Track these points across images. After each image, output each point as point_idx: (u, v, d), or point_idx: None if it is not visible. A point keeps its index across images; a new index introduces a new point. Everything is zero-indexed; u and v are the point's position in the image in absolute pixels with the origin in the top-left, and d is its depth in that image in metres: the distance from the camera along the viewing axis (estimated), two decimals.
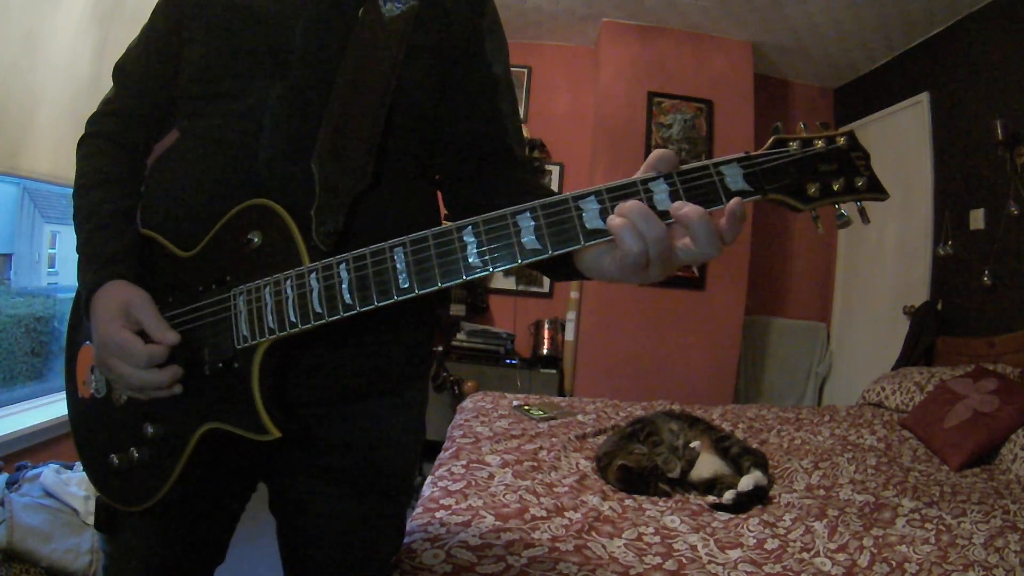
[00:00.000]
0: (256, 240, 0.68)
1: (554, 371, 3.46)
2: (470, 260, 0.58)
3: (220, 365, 0.69)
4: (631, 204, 0.54)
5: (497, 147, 0.83)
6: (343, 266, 0.62)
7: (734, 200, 0.54)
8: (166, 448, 0.72)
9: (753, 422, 2.34)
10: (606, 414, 2.36)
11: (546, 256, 0.57)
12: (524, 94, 3.86)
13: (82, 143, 0.84)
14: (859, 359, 3.62)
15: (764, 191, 0.56)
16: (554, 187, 3.83)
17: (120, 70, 0.85)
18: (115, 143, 0.82)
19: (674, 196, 0.55)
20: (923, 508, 1.53)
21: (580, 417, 2.29)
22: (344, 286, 0.62)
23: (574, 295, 3.53)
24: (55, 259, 2.46)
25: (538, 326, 3.65)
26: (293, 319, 0.64)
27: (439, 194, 0.88)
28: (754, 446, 1.94)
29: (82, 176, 0.80)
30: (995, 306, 2.64)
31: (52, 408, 2.06)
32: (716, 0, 3.10)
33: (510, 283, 3.80)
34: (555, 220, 0.57)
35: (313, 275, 0.64)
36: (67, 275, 2.57)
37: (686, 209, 0.53)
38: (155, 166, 0.83)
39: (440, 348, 3.36)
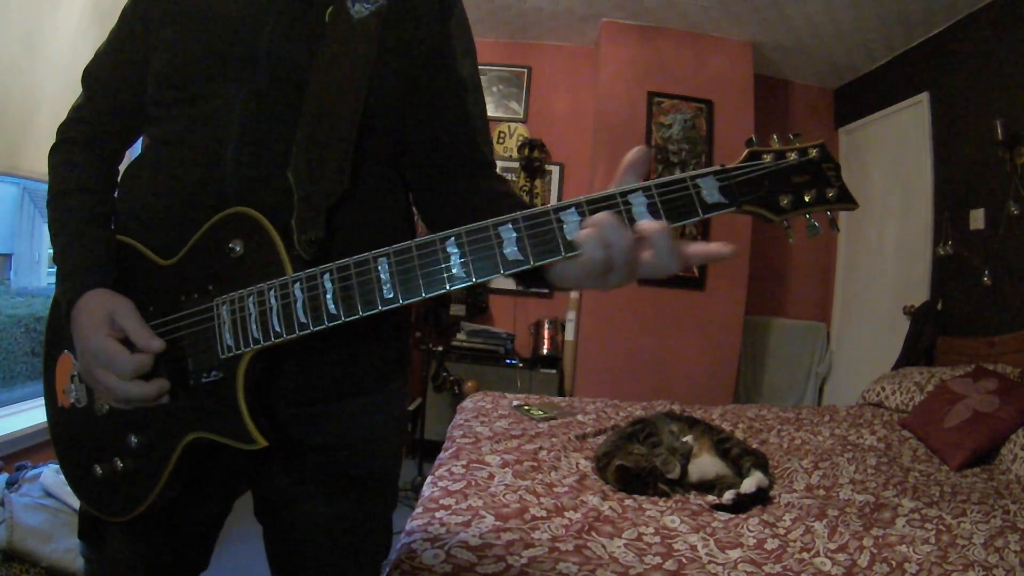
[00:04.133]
0: (238, 249, 0.68)
1: (554, 371, 3.46)
2: (454, 271, 0.59)
3: (204, 375, 0.69)
4: (601, 215, 0.55)
5: (465, 150, 0.83)
6: (327, 276, 0.63)
7: (717, 246, 0.56)
8: (151, 458, 0.71)
9: (753, 422, 2.34)
10: (606, 414, 2.36)
11: (528, 267, 0.58)
12: (524, 94, 3.86)
13: (53, 151, 0.82)
14: (859, 359, 3.62)
15: (739, 203, 0.58)
16: (554, 187, 3.83)
17: (89, 76, 0.84)
18: (86, 150, 0.81)
19: (652, 208, 0.57)
20: (923, 508, 1.53)
21: (580, 417, 2.29)
22: (328, 296, 0.62)
23: (574, 295, 3.53)
24: None
25: (538, 326, 3.65)
26: (278, 329, 0.64)
27: (415, 207, 0.88)
28: (754, 446, 1.94)
29: (55, 184, 0.79)
30: (995, 306, 2.64)
31: None
32: (716, 0, 3.10)
33: (510, 283, 3.78)
34: (536, 232, 0.58)
35: (297, 285, 0.64)
36: None
37: (648, 223, 0.55)
38: (126, 173, 0.82)
39: (440, 348, 3.36)
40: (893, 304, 3.26)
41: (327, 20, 0.74)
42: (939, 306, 2.95)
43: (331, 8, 0.75)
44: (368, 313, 0.61)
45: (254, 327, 0.65)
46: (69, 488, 1.69)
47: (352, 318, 0.62)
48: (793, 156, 0.59)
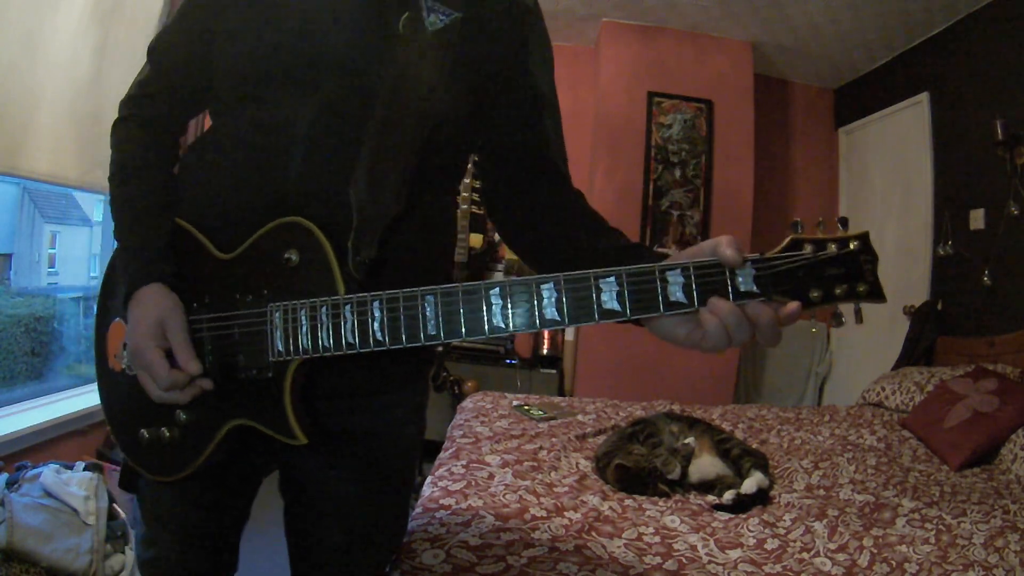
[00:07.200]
0: (294, 259, 0.71)
1: (554, 371, 3.46)
2: (495, 321, 0.62)
3: (254, 372, 0.72)
4: (726, 308, 0.57)
5: (541, 162, 0.83)
6: (376, 304, 0.65)
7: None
8: (196, 434, 0.75)
9: (753, 422, 2.34)
10: (606, 414, 2.36)
11: (563, 327, 0.61)
12: None
13: (116, 128, 0.83)
14: (859, 359, 3.62)
15: (769, 295, 0.58)
16: None
17: (154, 51, 0.84)
18: (149, 127, 0.82)
19: (686, 289, 0.58)
20: (923, 508, 1.53)
21: (580, 417, 2.29)
22: (376, 324, 0.65)
23: None
24: (55, 259, 2.46)
25: None
26: (327, 344, 0.68)
27: (485, 210, 0.90)
28: (754, 446, 1.94)
29: (117, 164, 0.81)
30: (995, 306, 2.64)
31: (52, 408, 2.06)
32: (716, 0, 3.10)
33: None
34: (576, 296, 0.60)
35: (348, 307, 0.67)
36: (67, 275, 2.57)
37: (760, 314, 0.58)
38: (189, 154, 0.84)
39: (440, 348, 3.36)
40: (893, 304, 3.26)
41: (400, 28, 0.73)
42: (939, 306, 2.95)
43: (406, 15, 0.73)
44: (411, 344, 0.64)
45: (304, 338, 0.69)
46: (69, 488, 1.69)
47: (396, 347, 0.65)
48: (833, 248, 0.59)
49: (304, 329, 0.69)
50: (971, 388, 2.17)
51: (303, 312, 0.69)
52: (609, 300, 0.59)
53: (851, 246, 0.59)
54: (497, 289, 0.62)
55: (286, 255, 0.71)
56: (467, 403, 2.40)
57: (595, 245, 0.74)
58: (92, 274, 2.55)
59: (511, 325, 0.61)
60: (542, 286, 0.60)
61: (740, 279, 0.58)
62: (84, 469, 1.70)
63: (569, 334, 3.50)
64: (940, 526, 1.43)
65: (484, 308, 0.62)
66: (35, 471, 1.68)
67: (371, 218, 0.72)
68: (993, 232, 2.67)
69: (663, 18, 3.37)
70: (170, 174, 0.82)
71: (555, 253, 0.79)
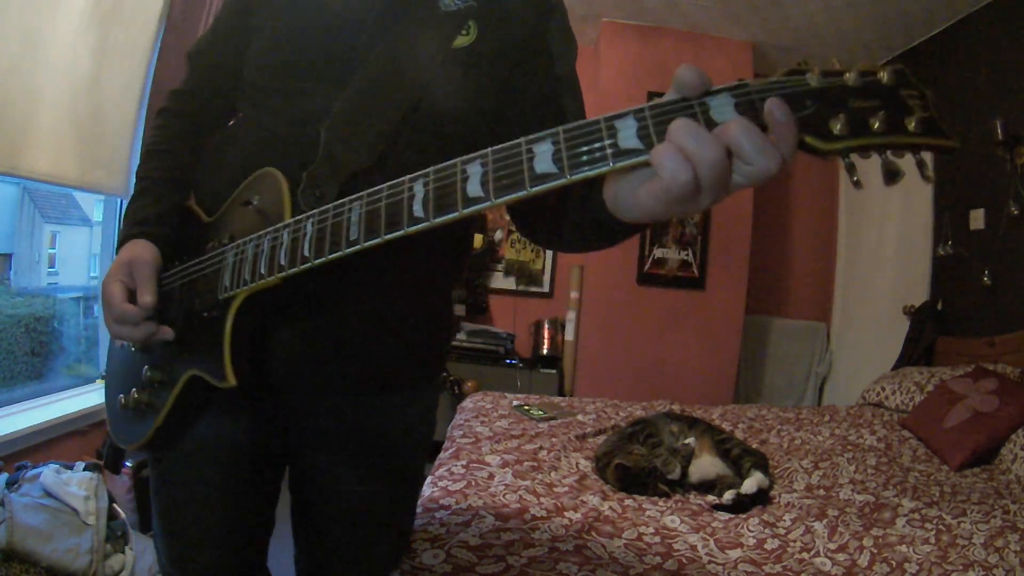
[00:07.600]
0: (255, 201, 0.73)
1: (554, 371, 3.46)
2: (415, 211, 0.56)
3: (204, 314, 0.74)
4: (678, 122, 0.44)
5: None
6: (310, 221, 0.64)
7: (770, 101, 0.43)
8: (159, 392, 0.78)
9: (753, 422, 2.34)
10: (606, 414, 2.36)
11: (488, 204, 0.51)
12: None
13: (157, 114, 0.90)
14: (859, 359, 3.62)
15: (763, 124, 0.44)
16: None
17: (190, 57, 0.90)
18: (183, 118, 0.88)
19: (643, 133, 0.46)
20: (923, 508, 1.53)
21: (580, 417, 2.29)
22: (306, 239, 0.64)
23: (574, 295, 3.53)
24: (55, 259, 2.46)
25: (538, 326, 3.65)
26: (262, 271, 0.67)
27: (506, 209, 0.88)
28: (754, 446, 1.94)
29: (147, 144, 0.88)
30: (995, 306, 2.64)
31: (52, 408, 2.06)
32: (716, 0, 3.10)
33: (510, 283, 3.80)
34: (503, 166, 0.51)
35: (287, 231, 0.66)
36: (67, 275, 2.57)
37: (733, 128, 0.44)
38: (214, 142, 0.87)
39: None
40: (893, 304, 3.26)
41: (413, 6, 0.75)
42: (939, 306, 2.95)
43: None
44: (333, 255, 0.61)
45: (246, 269, 0.69)
46: (69, 488, 1.69)
47: (320, 260, 0.62)
48: (850, 76, 0.44)
49: (247, 260, 0.69)
50: (971, 388, 2.17)
51: (251, 245, 0.69)
52: (543, 164, 0.49)
53: (881, 77, 0.44)
54: (420, 179, 0.56)
55: (249, 199, 0.73)
56: (467, 403, 2.40)
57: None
58: (92, 274, 2.55)
59: (430, 213, 0.54)
60: (467, 166, 0.53)
61: (715, 110, 0.45)
62: (84, 469, 1.70)
63: (569, 334, 3.50)
64: (940, 526, 1.43)
65: (405, 201, 0.56)
66: (35, 471, 1.68)
67: (336, 158, 0.71)
68: (993, 232, 2.67)
69: (663, 18, 3.37)
70: (187, 160, 0.86)
71: (579, 239, 0.74)
